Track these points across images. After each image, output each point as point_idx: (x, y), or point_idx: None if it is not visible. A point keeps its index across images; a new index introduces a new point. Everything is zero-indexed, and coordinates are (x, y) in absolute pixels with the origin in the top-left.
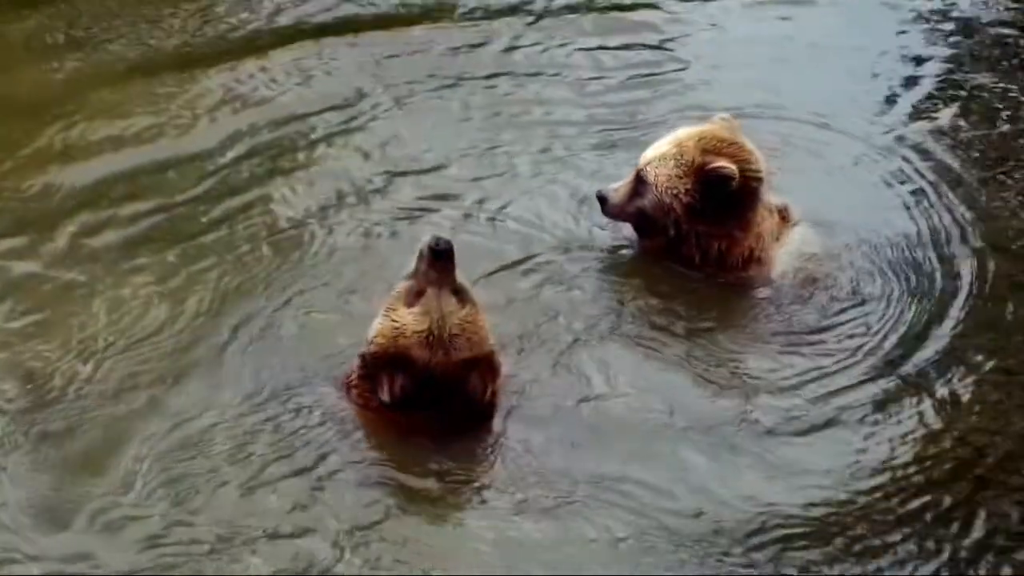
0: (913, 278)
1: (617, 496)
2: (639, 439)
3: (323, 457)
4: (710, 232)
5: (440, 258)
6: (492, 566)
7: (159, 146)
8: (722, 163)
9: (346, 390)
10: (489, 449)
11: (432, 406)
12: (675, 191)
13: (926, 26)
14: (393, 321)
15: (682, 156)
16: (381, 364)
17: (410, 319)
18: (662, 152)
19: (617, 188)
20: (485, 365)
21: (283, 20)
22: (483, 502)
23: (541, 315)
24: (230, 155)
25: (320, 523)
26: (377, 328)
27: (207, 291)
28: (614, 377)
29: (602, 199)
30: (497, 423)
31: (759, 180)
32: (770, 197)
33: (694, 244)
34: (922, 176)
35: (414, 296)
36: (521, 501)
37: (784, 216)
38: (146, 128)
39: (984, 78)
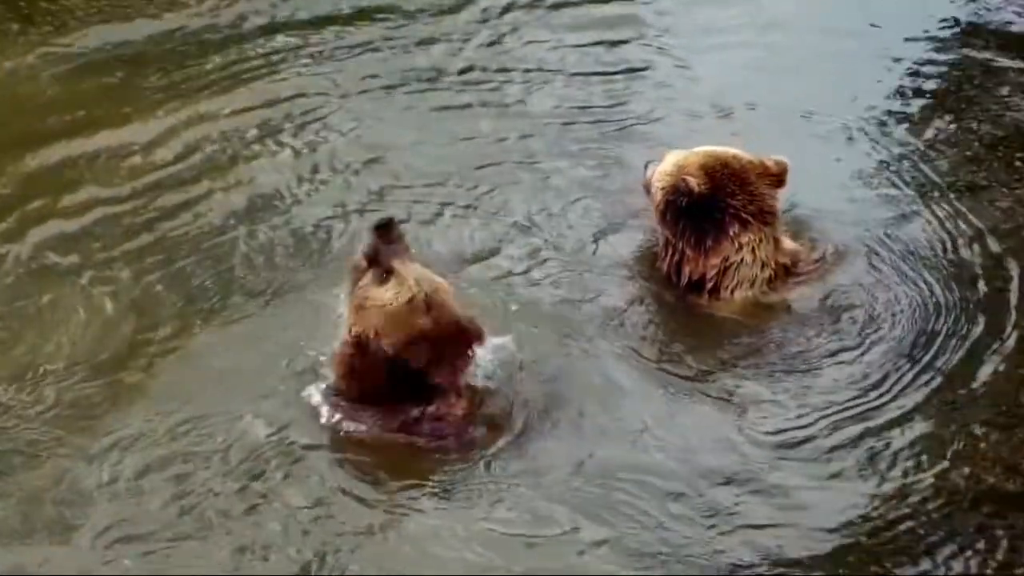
0: (916, 297)
1: (598, 497)
2: (621, 444)
3: (284, 465)
4: (667, 239)
5: (387, 227)
6: (472, 566)
7: (99, 137)
8: (692, 178)
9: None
10: (472, 449)
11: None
12: (657, 185)
13: (924, 14)
14: (375, 303)
15: (684, 159)
16: (366, 351)
17: (391, 293)
18: (680, 152)
19: (655, 164)
20: (472, 330)
21: (241, 11)
22: (461, 502)
23: (529, 316)
24: (175, 150)
25: (283, 524)
26: (358, 318)
27: (146, 296)
28: (600, 382)
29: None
30: (481, 425)
31: (735, 218)
32: (771, 247)
33: (660, 246)
34: (924, 177)
35: (383, 277)
36: (502, 503)
37: (793, 270)
38: (88, 118)
39: (987, 61)
